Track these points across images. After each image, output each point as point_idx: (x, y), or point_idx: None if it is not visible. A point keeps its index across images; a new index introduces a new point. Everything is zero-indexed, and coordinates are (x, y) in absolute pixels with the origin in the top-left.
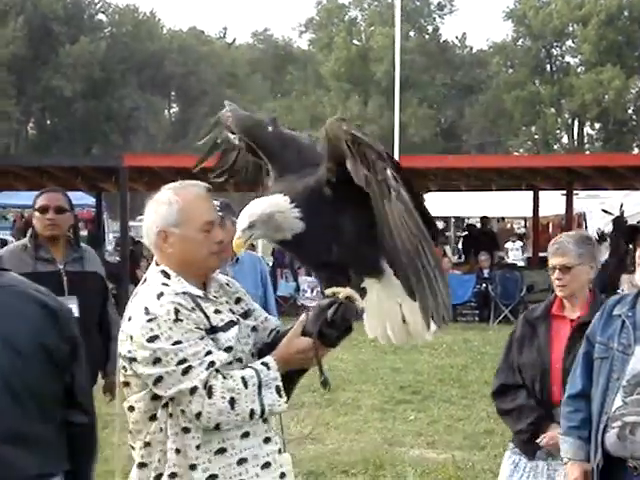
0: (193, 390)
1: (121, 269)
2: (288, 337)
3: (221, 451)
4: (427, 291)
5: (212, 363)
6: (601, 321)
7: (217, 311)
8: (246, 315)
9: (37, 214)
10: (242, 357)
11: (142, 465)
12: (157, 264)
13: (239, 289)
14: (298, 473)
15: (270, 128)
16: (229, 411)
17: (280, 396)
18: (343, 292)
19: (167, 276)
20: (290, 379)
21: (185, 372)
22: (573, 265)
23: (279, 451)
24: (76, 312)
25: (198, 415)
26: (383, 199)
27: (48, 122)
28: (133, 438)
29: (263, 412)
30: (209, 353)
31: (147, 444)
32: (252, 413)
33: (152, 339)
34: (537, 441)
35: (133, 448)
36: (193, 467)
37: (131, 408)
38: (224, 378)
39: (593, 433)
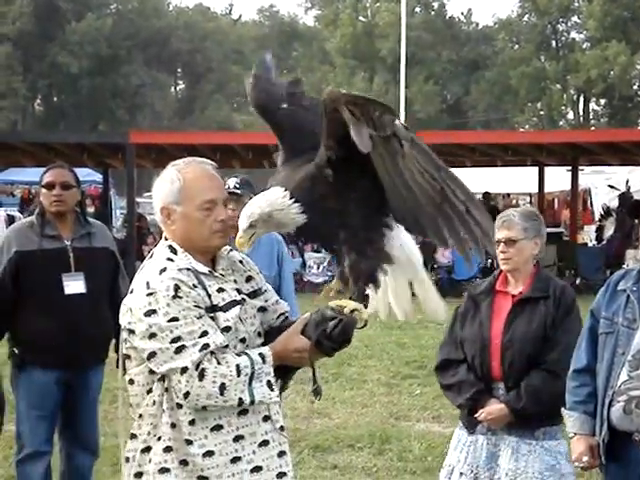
0: (184, 370)
1: (128, 245)
2: (288, 333)
3: (217, 428)
4: (462, 232)
5: (206, 345)
6: (606, 296)
7: (220, 289)
8: (255, 294)
9: (44, 190)
10: (246, 337)
11: (133, 436)
12: (166, 239)
13: (252, 267)
14: (305, 447)
15: (285, 105)
16: (217, 396)
17: (271, 390)
18: (349, 305)
19: (174, 251)
20: (288, 368)
21: (178, 351)
22: (518, 239)
23: (280, 429)
24: (82, 288)
25: (186, 395)
26: (396, 155)
27: (55, 99)
28: (133, 411)
29: (252, 403)
30: (205, 334)
31: (140, 416)
32: (241, 402)
33: (149, 313)
34: (475, 416)
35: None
36: (189, 442)
37: (131, 381)
38: (218, 363)
39: (599, 408)
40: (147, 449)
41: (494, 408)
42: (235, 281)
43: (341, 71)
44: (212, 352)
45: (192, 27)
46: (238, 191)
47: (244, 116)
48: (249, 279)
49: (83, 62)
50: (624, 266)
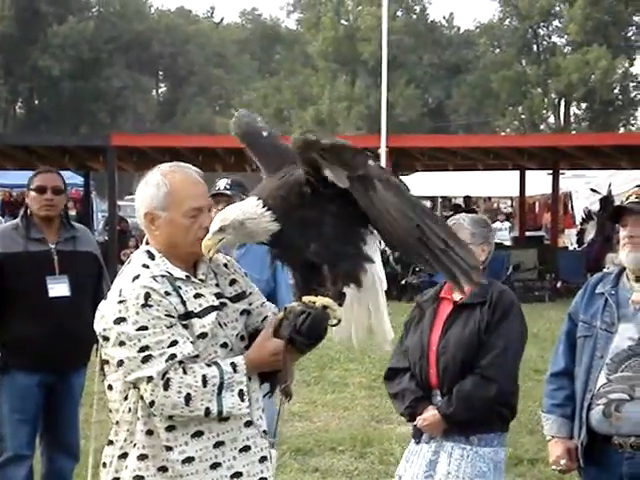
0: (149, 379)
1: (109, 248)
2: (260, 338)
3: (198, 434)
4: (447, 264)
5: (173, 355)
6: (584, 299)
7: (198, 295)
8: (239, 298)
9: (33, 194)
10: (227, 342)
11: (110, 442)
12: (147, 243)
13: (237, 270)
14: (286, 450)
15: (265, 133)
16: (183, 406)
17: (242, 400)
18: (320, 301)
19: (151, 257)
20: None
21: (145, 360)
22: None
23: (263, 433)
24: (67, 291)
25: (152, 404)
26: (369, 193)
27: (36, 102)
28: (112, 417)
29: (220, 413)
30: (174, 343)
31: (117, 422)
32: (208, 412)
33: (118, 321)
34: (414, 424)
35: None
36: (169, 448)
37: (110, 387)
38: (184, 373)
39: (577, 411)
40: (124, 455)
41: (428, 415)
42: (217, 285)
43: (323, 74)
44: (180, 362)
45: (174, 30)
46: (228, 192)
47: (226, 119)
48: (233, 282)
49: (65, 65)
50: (604, 269)
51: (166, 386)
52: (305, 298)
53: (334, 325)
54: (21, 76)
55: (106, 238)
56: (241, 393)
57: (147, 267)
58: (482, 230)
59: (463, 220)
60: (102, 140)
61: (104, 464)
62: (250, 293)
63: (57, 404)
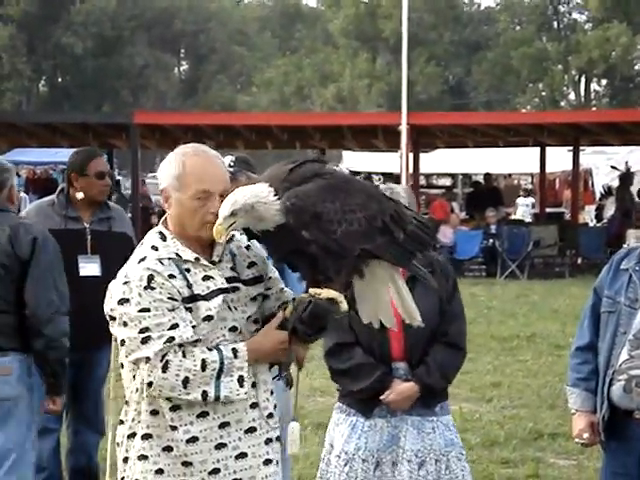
0: (147, 360)
1: (133, 225)
2: (264, 329)
3: (203, 414)
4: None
5: (171, 338)
6: (609, 275)
7: (206, 277)
8: (256, 281)
9: (93, 180)
10: (236, 325)
11: (121, 422)
12: (163, 223)
13: (258, 254)
14: (308, 424)
15: None
16: (180, 389)
17: (241, 385)
18: (325, 293)
19: (163, 238)
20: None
21: (144, 341)
22: None
23: (268, 416)
24: (97, 271)
25: (149, 384)
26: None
27: (59, 80)
28: (126, 395)
29: (218, 398)
30: (175, 326)
31: (127, 402)
32: (205, 396)
33: (122, 302)
34: (381, 398)
35: None
36: (173, 428)
37: (122, 365)
38: (184, 356)
39: (599, 385)
40: (132, 435)
41: (404, 387)
42: (233, 268)
43: (344, 52)
44: (181, 345)
45: (196, 8)
46: (231, 169)
47: (247, 97)
48: (251, 265)
49: (87, 43)
50: (625, 245)
51: (164, 368)
52: (312, 290)
53: (340, 316)
54: (44, 54)
55: (129, 216)
56: (240, 379)
57: (156, 249)
58: (413, 200)
59: (399, 190)
60: (125, 118)
61: (117, 443)
62: (269, 278)
63: (83, 380)
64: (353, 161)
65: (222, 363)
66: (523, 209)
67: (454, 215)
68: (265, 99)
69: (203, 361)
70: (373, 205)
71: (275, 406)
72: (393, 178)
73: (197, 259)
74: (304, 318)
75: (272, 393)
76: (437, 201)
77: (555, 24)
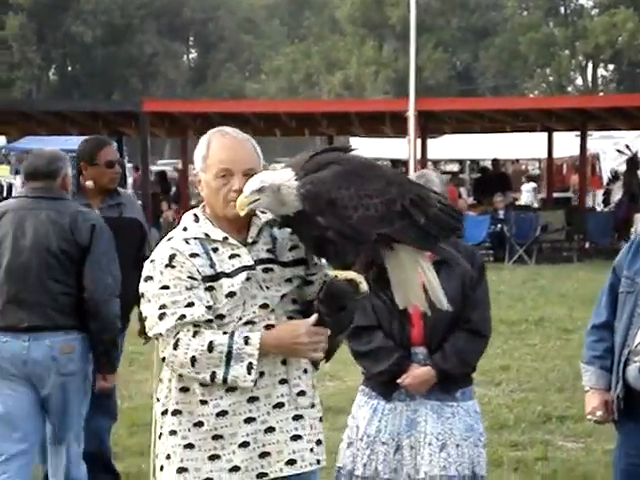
0: (159, 336)
1: (143, 212)
2: (288, 323)
3: (232, 389)
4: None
5: (183, 316)
6: (628, 255)
7: (233, 256)
8: (295, 263)
9: (103, 169)
10: (267, 303)
11: (157, 399)
12: (201, 206)
13: None
14: None
15: None
16: (189, 367)
17: (249, 372)
18: (344, 274)
19: (196, 219)
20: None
21: (160, 317)
22: None
23: (299, 394)
24: None
25: (164, 359)
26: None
27: (69, 68)
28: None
29: (225, 380)
30: (190, 305)
31: (161, 380)
32: (213, 377)
33: (147, 279)
34: (398, 381)
35: None
36: (204, 402)
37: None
38: (193, 336)
39: (615, 365)
40: (165, 412)
41: (420, 371)
42: (271, 250)
43: (351, 39)
44: (196, 324)
45: None
46: None
47: (256, 84)
48: (293, 248)
49: (97, 31)
50: (632, 230)
51: (175, 345)
52: (332, 272)
53: (360, 298)
54: (54, 43)
55: (140, 203)
56: (250, 366)
57: (185, 229)
58: (444, 188)
59: (432, 177)
60: (134, 106)
61: (156, 421)
62: (315, 264)
63: (96, 364)
64: (361, 148)
65: (230, 347)
66: (527, 195)
67: (462, 200)
68: (273, 86)
69: (210, 343)
70: (392, 190)
71: (313, 386)
72: (401, 164)
73: (225, 238)
74: (321, 297)
75: (306, 372)
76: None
77: (562, 9)
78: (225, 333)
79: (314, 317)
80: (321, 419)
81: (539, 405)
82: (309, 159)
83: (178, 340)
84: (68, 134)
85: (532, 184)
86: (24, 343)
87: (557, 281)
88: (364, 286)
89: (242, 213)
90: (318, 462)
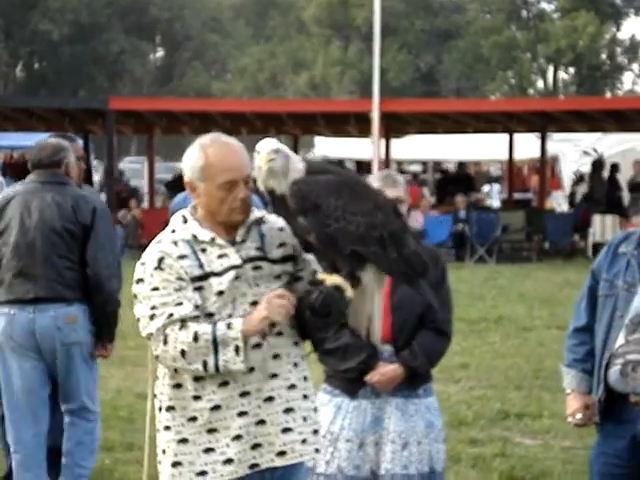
0: (150, 336)
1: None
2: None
3: (224, 384)
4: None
5: (171, 315)
6: (607, 258)
7: (221, 256)
8: (284, 260)
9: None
10: (257, 300)
11: (155, 395)
12: (190, 208)
13: (290, 235)
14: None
15: None
16: (180, 359)
17: (237, 354)
18: (331, 280)
19: (184, 221)
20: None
21: (151, 318)
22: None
23: (290, 387)
24: None
25: (157, 357)
26: None
27: (36, 65)
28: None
29: (217, 367)
30: (179, 305)
31: (157, 377)
32: (205, 365)
33: (138, 281)
34: (366, 379)
35: None
36: (197, 398)
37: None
38: (179, 330)
39: (596, 368)
40: (160, 408)
41: (388, 369)
42: (259, 248)
43: (317, 40)
44: (183, 320)
45: None
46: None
47: (222, 84)
48: (281, 245)
49: (64, 29)
50: (590, 231)
51: (165, 341)
52: (320, 275)
53: (343, 304)
54: (21, 40)
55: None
56: (237, 349)
57: (174, 231)
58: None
59: (398, 177)
60: (101, 103)
61: (152, 416)
62: (303, 259)
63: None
64: (326, 147)
65: (214, 334)
66: (495, 197)
67: (424, 200)
68: (239, 86)
69: (195, 333)
70: (378, 215)
71: (305, 378)
72: (365, 164)
73: (213, 239)
74: (315, 306)
75: (296, 365)
76: (409, 187)
77: (524, 13)
78: (208, 324)
79: (279, 290)
80: (316, 409)
81: (498, 402)
82: (313, 162)
83: (166, 336)
84: (35, 131)
85: (497, 186)
86: (30, 315)
87: (517, 280)
88: (349, 292)
89: (265, 168)
90: (317, 451)
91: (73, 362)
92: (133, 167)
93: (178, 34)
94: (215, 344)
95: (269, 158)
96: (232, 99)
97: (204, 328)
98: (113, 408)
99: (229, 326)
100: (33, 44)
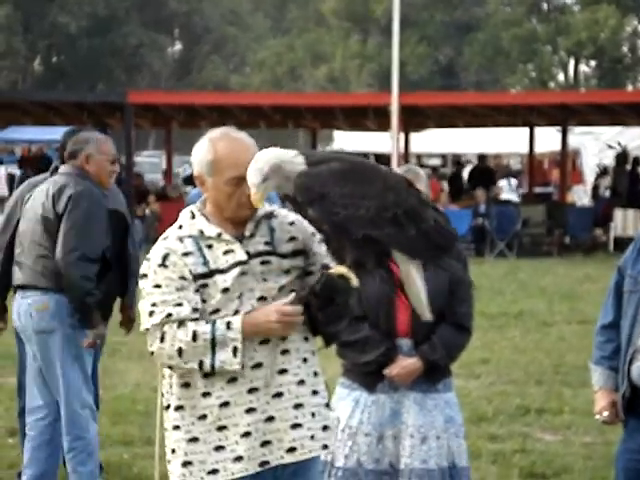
0: (147, 331)
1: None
2: (267, 306)
3: (232, 380)
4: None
5: (170, 315)
6: (632, 254)
7: (227, 252)
8: (294, 254)
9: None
10: (265, 295)
11: (162, 394)
12: (200, 203)
13: (301, 229)
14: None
15: None
16: (177, 357)
17: (235, 356)
18: (336, 269)
19: (192, 216)
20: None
21: (150, 314)
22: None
23: (299, 383)
24: None
25: (152, 353)
26: None
27: (54, 59)
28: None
29: (213, 367)
30: (178, 305)
31: (163, 376)
32: (201, 365)
33: (142, 277)
34: (385, 372)
35: None
36: (207, 394)
37: None
38: (178, 328)
39: (620, 364)
40: (168, 407)
41: (408, 362)
42: (268, 242)
43: (336, 33)
44: (181, 321)
45: None
46: None
47: (240, 77)
48: (292, 239)
49: (82, 22)
50: (611, 225)
51: (162, 339)
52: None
53: (348, 294)
54: (40, 33)
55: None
56: (235, 350)
57: (181, 227)
58: (428, 182)
59: (419, 171)
60: (119, 97)
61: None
62: (314, 254)
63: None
64: (344, 141)
65: (213, 334)
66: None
67: (444, 194)
68: (258, 79)
69: (194, 332)
70: (389, 195)
71: (315, 374)
72: (384, 158)
73: (219, 235)
74: (314, 290)
75: (306, 361)
76: (429, 181)
77: (545, 6)
78: (207, 322)
79: (289, 298)
80: (327, 405)
81: (518, 398)
82: (312, 155)
83: (164, 334)
84: (53, 124)
85: (513, 180)
86: (19, 301)
87: (537, 275)
88: (354, 282)
89: (260, 205)
90: (326, 447)
91: (50, 352)
92: (151, 161)
93: (197, 27)
94: (213, 344)
95: (262, 193)
96: (250, 92)
97: (203, 327)
98: (132, 402)
99: (229, 326)
100: (51, 37)
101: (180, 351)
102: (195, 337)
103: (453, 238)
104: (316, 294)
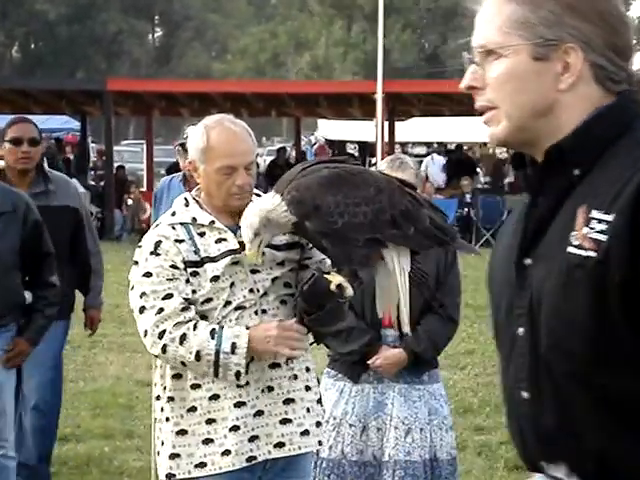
0: (145, 332)
1: (105, 193)
2: (267, 324)
3: None
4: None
5: (161, 309)
6: None
7: (219, 240)
8: (290, 247)
9: (8, 145)
10: (257, 287)
11: (155, 384)
12: (196, 191)
13: None
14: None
15: None
16: (181, 368)
17: (237, 379)
18: (332, 278)
19: (186, 204)
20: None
21: (141, 311)
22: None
23: (291, 377)
24: None
25: (156, 356)
26: None
27: (32, 46)
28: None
29: (217, 374)
30: (168, 296)
31: (156, 367)
32: (204, 374)
33: (134, 264)
34: (369, 362)
35: None
36: (197, 386)
37: None
38: (180, 344)
39: None
40: (158, 397)
41: (392, 353)
42: None
43: (319, 19)
44: (177, 323)
45: None
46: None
47: (222, 64)
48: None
49: (60, 9)
50: None
51: (164, 350)
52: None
53: (342, 301)
54: (17, 20)
55: (102, 183)
56: (237, 374)
57: (174, 214)
58: (419, 172)
59: (407, 160)
60: (98, 84)
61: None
62: (310, 248)
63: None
64: (328, 130)
65: (217, 357)
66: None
67: (428, 184)
68: (240, 67)
69: (198, 353)
70: (382, 198)
71: (307, 369)
72: (369, 146)
73: (212, 222)
74: (302, 293)
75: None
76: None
77: None
78: (212, 331)
79: (292, 320)
80: (319, 401)
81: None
82: (296, 176)
83: (165, 347)
84: (31, 113)
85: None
86: None
87: None
88: (349, 291)
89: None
90: (320, 443)
91: None
92: (131, 150)
93: (177, 14)
94: (216, 366)
95: (257, 245)
96: (233, 80)
97: (208, 346)
98: (112, 395)
99: (233, 349)
100: (29, 24)
101: (184, 364)
102: (198, 357)
103: (453, 232)
104: (304, 296)
